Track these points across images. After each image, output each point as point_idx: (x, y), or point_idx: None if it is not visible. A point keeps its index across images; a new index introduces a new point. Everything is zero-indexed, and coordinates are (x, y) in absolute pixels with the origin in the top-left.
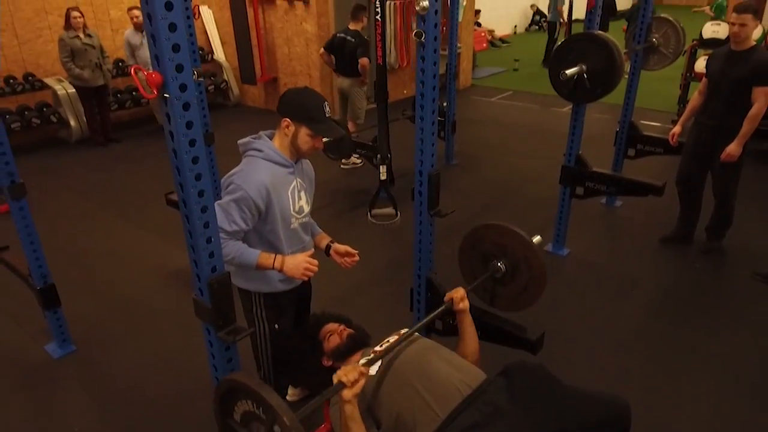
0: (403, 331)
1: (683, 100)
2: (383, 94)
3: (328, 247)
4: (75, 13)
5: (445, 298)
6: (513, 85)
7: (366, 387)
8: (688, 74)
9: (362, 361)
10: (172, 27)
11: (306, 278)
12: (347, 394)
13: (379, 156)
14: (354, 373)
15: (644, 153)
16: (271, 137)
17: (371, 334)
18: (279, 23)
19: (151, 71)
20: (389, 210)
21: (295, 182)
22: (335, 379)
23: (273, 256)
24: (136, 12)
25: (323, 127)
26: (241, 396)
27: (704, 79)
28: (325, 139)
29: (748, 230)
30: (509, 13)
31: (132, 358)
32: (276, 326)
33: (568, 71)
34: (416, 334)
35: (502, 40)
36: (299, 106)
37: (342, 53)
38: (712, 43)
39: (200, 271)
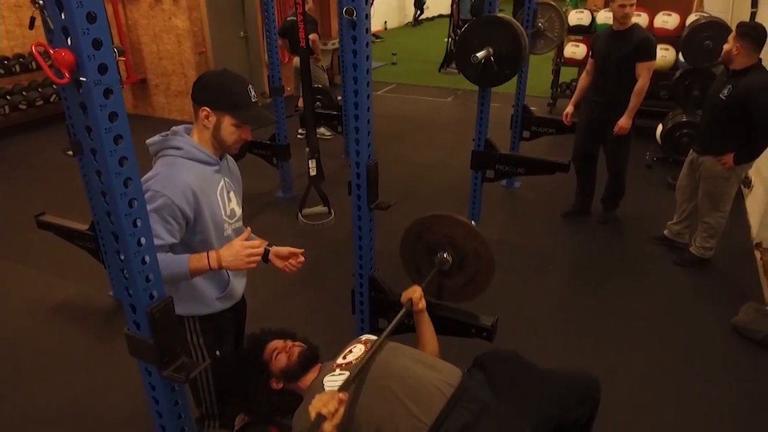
0: (364, 338)
1: (556, 85)
2: (308, 80)
3: (266, 252)
4: None
5: (403, 300)
6: (395, 79)
7: None
8: (558, 60)
9: (333, 384)
10: None
11: (252, 266)
12: (329, 427)
13: (308, 149)
14: (333, 403)
15: (538, 134)
16: (187, 132)
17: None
18: (144, 19)
19: (58, 49)
20: (321, 208)
21: (222, 182)
22: (312, 412)
23: (205, 255)
24: None
25: (250, 115)
26: None
27: (590, 59)
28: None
29: (637, 198)
30: (379, 10)
31: (19, 415)
32: (217, 353)
33: (479, 54)
34: (376, 337)
35: (375, 35)
36: (221, 91)
37: (294, 34)
38: (578, 29)
39: (135, 301)
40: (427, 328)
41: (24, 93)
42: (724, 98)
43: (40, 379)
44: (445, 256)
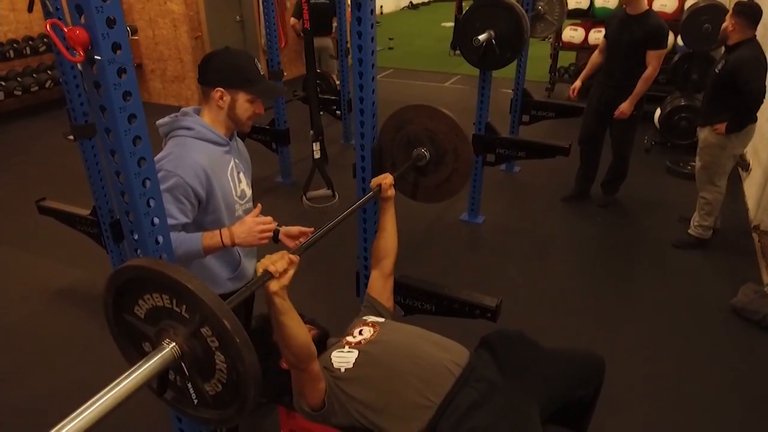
0: (370, 319)
1: (554, 69)
2: (311, 62)
3: (276, 231)
4: None
5: (372, 185)
6: (392, 63)
7: (342, 384)
8: (556, 44)
9: (339, 363)
10: None
11: (264, 242)
12: (274, 286)
13: (312, 132)
14: (283, 262)
15: (538, 118)
16: (197, 113)
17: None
18: (139, 3)
19: (72, 27)
20: (325, 191)
21: (232, 162)
22: (258, 269)
23: (218, 232)
24: None
25: (263, 88)
26: (150, 289)
27: (603, 39)
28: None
29: (636, 182)
30: None
31: (22, 402)
32: None
33: (481, 37)
34: (384, 319)
35: None
36: (232, 69)
37: (317, 15)
38: (576, 13)
39: None
40: (389, 219)
41: (19, 79)
42: (718, 72)
43: (44, 365)
44: (423, 151)
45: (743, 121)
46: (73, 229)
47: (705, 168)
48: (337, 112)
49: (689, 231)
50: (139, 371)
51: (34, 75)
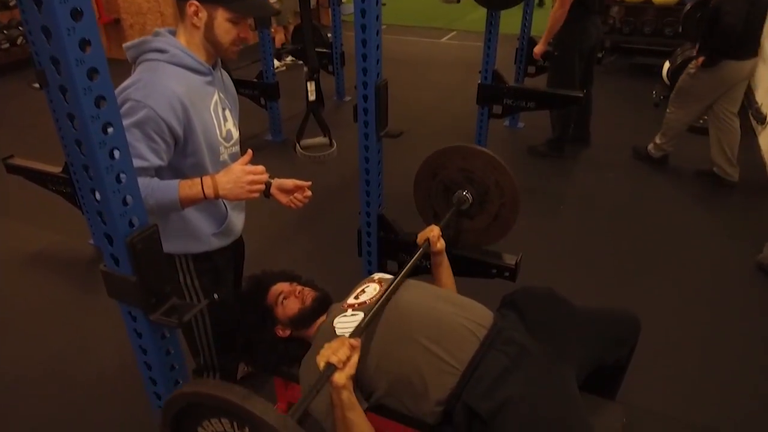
0: (377, 276)
1: None
2: None
3: (268, 185)
4: None
5: (419, 240)
6: (385, 20)
7: None
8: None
9: (346, 326)
10: None
11: (254, 195)
12: (340, 378)
13: (306, 69)
14: (344, 350)
15: (544, 69)
16: (173, 34)
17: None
18: None
19: None
20: (321, 139)
21: (216, 96)
22: (320, 362)
23: (198, 180)
24: None
25: (248, 5)
26: (208, 414)
27: None
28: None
29: (646, 137)
30: None
31: None
32: (215, 296)
33: None
34: (390, 276)
35: None
36: None
37: None
38: None
39: (111, 229)
40: (445, 272)
41: None
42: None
43: (18, 335)
44: (464, 194)
45: (714, 54)
46: (46, 190)
47: (677, 89)
48: (330, 66)
49: (648, 146)
50: None
51: (5, 31)
